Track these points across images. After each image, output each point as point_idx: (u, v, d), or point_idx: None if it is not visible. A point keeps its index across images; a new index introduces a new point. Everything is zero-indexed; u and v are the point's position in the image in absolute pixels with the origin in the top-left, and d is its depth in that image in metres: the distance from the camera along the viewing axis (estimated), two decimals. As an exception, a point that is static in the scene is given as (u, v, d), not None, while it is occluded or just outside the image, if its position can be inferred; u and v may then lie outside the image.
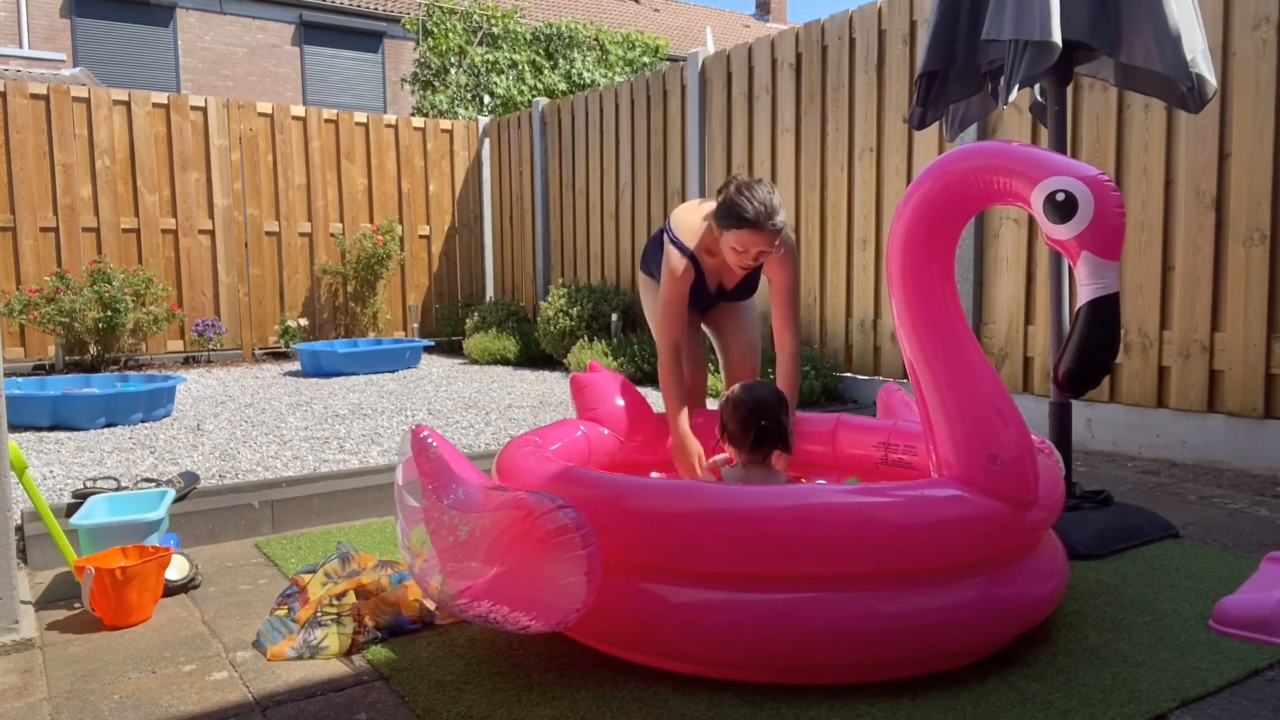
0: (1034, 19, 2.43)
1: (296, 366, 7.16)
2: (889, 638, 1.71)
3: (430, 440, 1.88)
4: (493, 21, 11.57)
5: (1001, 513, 1.81)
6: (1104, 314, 1.75)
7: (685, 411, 2.65)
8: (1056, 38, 2.43)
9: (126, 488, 2.81)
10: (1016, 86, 2.51)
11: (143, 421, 4.61)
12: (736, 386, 2.41)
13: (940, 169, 1.88)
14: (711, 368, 5.34)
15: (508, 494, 1.71)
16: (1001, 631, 1.82)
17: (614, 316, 6.60)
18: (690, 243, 2.72)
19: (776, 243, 2.58)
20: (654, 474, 2.74)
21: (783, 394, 2.41)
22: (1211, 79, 2.60)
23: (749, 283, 2.93)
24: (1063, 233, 1.73)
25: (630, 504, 1.82)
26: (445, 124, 8.56)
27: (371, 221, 8.12)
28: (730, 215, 2.54)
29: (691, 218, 2.74)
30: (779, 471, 2.35)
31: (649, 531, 1.78)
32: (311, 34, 17.42)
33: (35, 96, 6.72)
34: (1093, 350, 1.78)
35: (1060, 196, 1.72)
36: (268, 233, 7.66)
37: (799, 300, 2.87)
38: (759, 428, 2.26)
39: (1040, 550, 1.97)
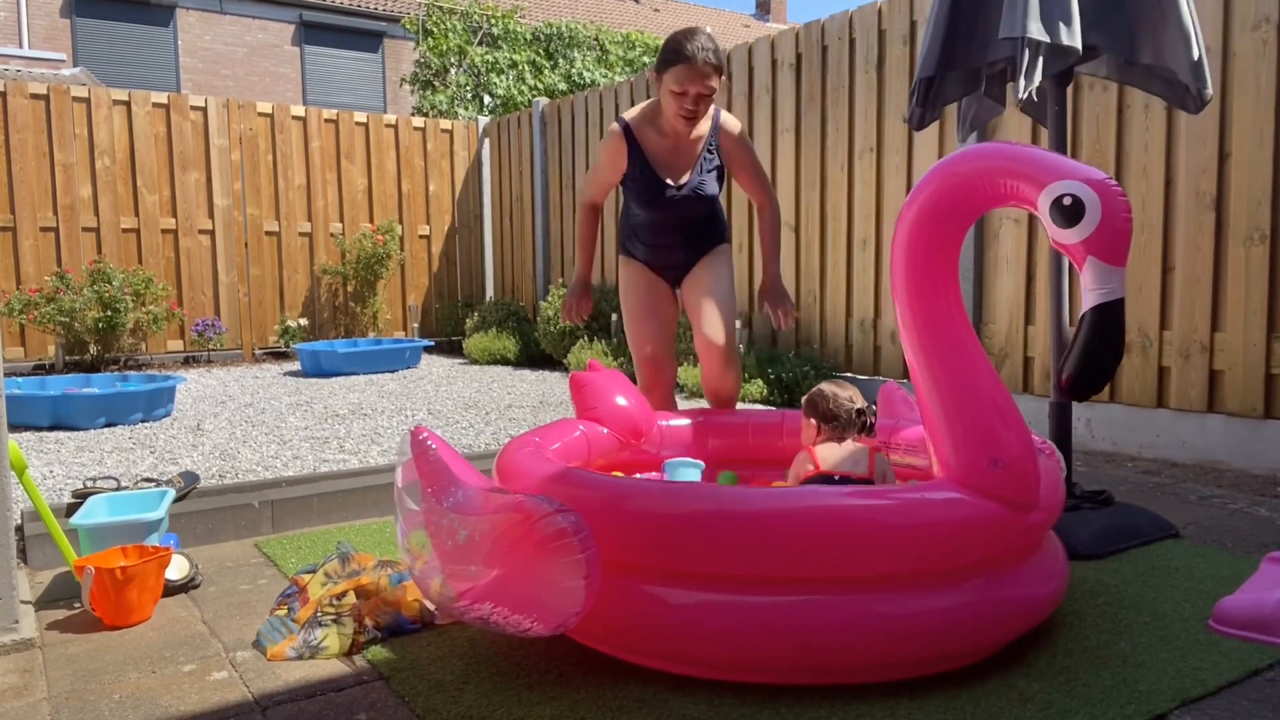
0: (1053, 18, 2.42)
1: (296, 366, 7.16)
2: (889, 640, 1.71)
3: (429, 442, 1.87)
4: (493, 21, 11.56)
5: (1002, 515, 1.80)
6: (1109, 320, 1.74)
7: (589, 262, 3.07)
8: (1077, 40, 2.43)
9: (126, 487, 2.81)
10: (1033, 86, 2.50)
11: (143, 421, 4.61)
12: (826, 383, 2.46)
13: (944, 171, 1.87)
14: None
15: (506, 497, 1.71)
16: (1001, 633, 1.82)
17: (614, 316, 6.60)
18: (630, 117, 2.89)
19: (716, 83, 2.70)
20: (652, 474, 2.74)
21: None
22: (1209, 84, 2.61)
23: (705, 182, 2.88)
24: (1069, 237, 1.72)
25: (628, 506, 1.82)
26: (445, 124, 8.56)
27: (371, 221, 8.12)
28: (667, 54, 2.70)
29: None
30: (864, 446, 2.40)
31: (647, 533, 1.77)
32: (311, 34, 17.43)
33: (35, 96, 6.72)
34: (1097, 356, 1.77)
35: (1067, 201, 1.70)
36: (268, 233, 7.66)
37: (763, 173, 3.02)
38: (858, 410, 2.40)
39: (1041, 552, 1.97)
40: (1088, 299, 1.74)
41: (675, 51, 2.68)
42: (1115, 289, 1.72)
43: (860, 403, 2.44)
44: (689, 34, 2.69)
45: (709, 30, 2.72)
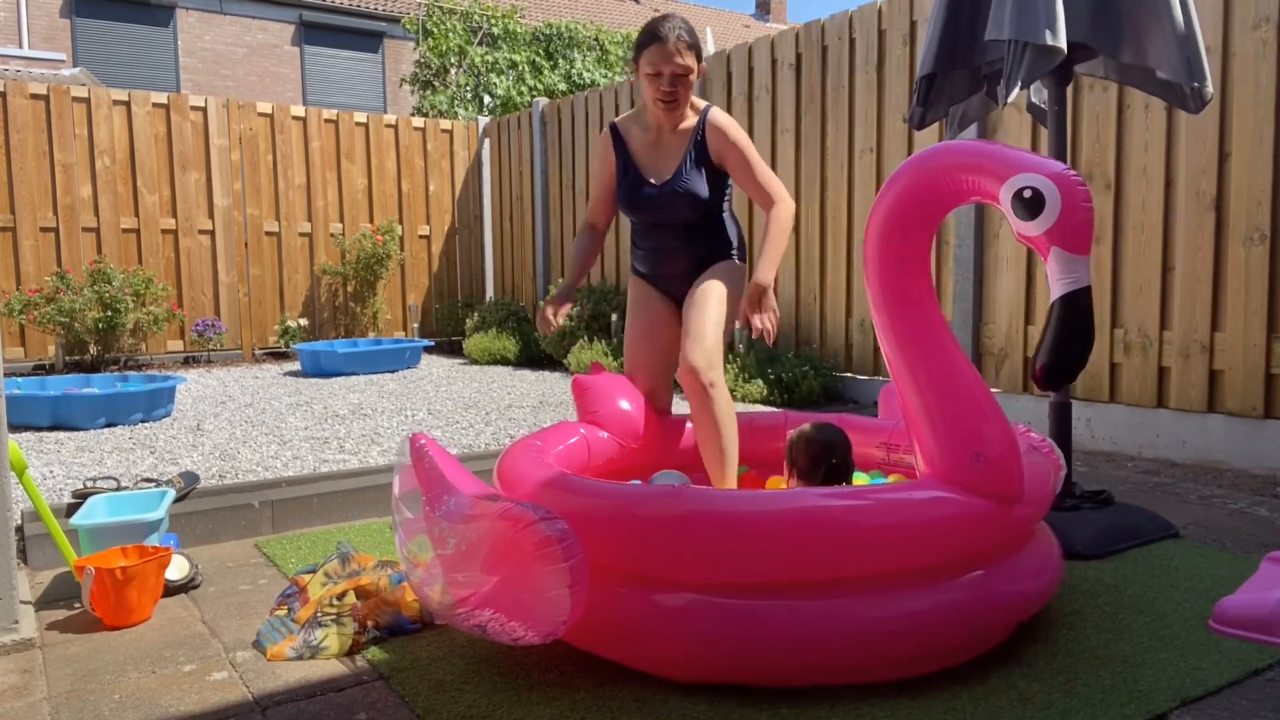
0: (1037, 20, 2.42)
1: (296, 366, 7.16)
2: (884, 639, 1.71)
3: (426, 449, 1.87)
4: (493, 22, 11.57)
5: (986, 510, 1.81)
6: (1076, 308, 1.76)
7: (576, 277, 2.94)
8: (1061, 41, 2.42)
9: (126, 488, 2.81)
10: (1017, 88, 2.50)
11: (143, 421, 4.61)
12: (808, 426, 2.43)
13: (913, 167, 1.89)
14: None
15: (494, 505, 1.70)
16: (996, 627, 1.82)
17: (614, 316, 6.60)
18: (619, 119, 2.92)
19: (690, 62, 2.68)
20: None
21: (847, 438, 2.39)
22: (1208, 82, 2.61)
23: (689, 181, 2.73)
24: (1032, 229, 1.75)
25: (623, 511, 1.81)
26: (445, 124, 8.56)
27: (371, 221, 8.12)
28: (640, 39, 2.71)
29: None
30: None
31: (641, 539, 1.77)
32: (311, 34, 17.43)
33: (35, 96, 6.72)
34: (1069, 344, 1.79)
35: (1027, 193, 1.73)
36: (268, 233, 7.66)
37: (760, 167, 2.75)
38: (829, 465, 2.33)
39: (1033, 546, 1.97)
40: (1055, 289, 1.77)
41: (648, 34, 2.69)
42: (1081, 277, 1.75)
43: (837, 447, 2.35)
44: (661, 18, 2.71)
45: (683, 17, 2.73)
